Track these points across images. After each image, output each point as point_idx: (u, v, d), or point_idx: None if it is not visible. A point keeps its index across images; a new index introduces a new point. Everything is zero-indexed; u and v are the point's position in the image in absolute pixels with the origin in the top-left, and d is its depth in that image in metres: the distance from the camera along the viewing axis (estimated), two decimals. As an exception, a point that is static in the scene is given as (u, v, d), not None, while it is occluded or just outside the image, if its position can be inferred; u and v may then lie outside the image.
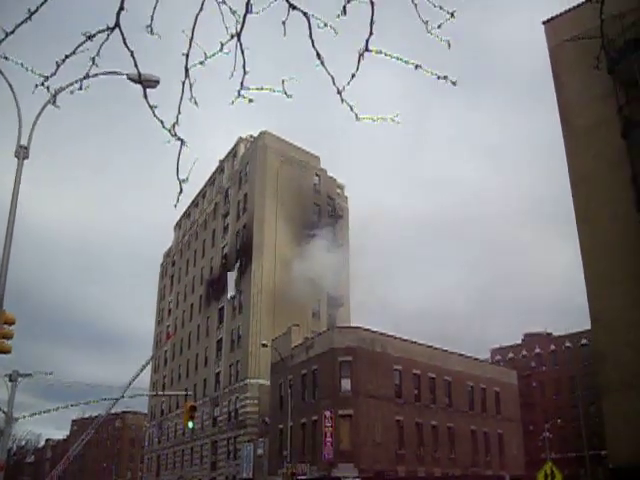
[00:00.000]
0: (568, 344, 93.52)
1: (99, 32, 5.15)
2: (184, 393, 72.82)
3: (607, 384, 25.71)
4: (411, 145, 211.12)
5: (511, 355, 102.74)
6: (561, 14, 31.07)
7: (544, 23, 32.10)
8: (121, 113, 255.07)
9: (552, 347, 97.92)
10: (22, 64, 6.22)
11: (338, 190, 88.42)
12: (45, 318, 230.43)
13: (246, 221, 78.95)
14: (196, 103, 5.45)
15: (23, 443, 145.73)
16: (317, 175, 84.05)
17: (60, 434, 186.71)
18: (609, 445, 26.03)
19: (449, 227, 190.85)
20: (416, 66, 4.95)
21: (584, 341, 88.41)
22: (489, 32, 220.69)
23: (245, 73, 5.17)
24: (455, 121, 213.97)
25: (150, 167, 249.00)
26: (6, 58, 6.13)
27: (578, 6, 29.43)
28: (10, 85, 14.91)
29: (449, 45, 4.89)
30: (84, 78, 5.95)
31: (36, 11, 5.19)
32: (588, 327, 28.67)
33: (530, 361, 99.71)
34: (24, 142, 16.02)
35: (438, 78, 4.96)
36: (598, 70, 14.65)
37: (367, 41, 4.85)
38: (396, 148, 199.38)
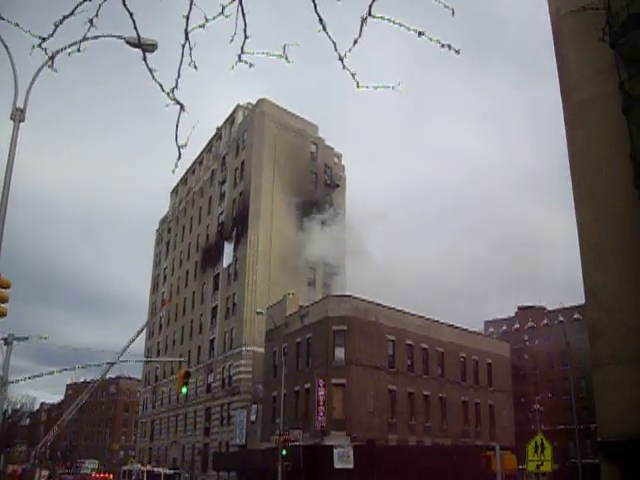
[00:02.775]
0: (561, 318, 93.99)
1: (98, -8, 5.08)
2: (178, 359, 73.38)
3: (598, 358, 25.86)
4: (411, 117, 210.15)
5: (504, 328, 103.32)
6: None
7: (547, -6, 31.71)
8: (119, 77, 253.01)
9: (545, 321, 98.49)
10: (18, 24, 6.14)
11: (335, 159, 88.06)
12: (41, 281, 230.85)
13: (243, 189, 78.73)
14: (195, 67, 5.40)
15: (18, 406, 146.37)
16: (314, 144, 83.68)
17: (55, 398, 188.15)
18: (598, 419, 26.25)
19: (446, 198, 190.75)
20: (419, 33, 4.88)
21: (577, 315, 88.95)
22: (492, 1, 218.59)
23: (246, 37, 5.11)
24: (456, 92, 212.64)
25: (147, 132, 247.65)
26: (2, 18, 6.06)
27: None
28: (6, 46, 14.74)
29: (453, 12, 4.83)
30: (82, 40, 5.88)
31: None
32: (581, 302, 28.77)
33: (523, 334, 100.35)
34: (20, 105, 15.88)
35: (442, 46, 4.90)
36: (603, 42, 14.49)
37: (370, 6, 4.79)
38: (395, 119, 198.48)
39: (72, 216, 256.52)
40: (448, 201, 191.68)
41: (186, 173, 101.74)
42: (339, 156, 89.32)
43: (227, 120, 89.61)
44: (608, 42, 25.04)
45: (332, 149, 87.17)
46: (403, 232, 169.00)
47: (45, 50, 5.89)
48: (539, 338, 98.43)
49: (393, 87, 5.22)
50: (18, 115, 15.83)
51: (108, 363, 56.66)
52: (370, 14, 4.80)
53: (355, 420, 51.50)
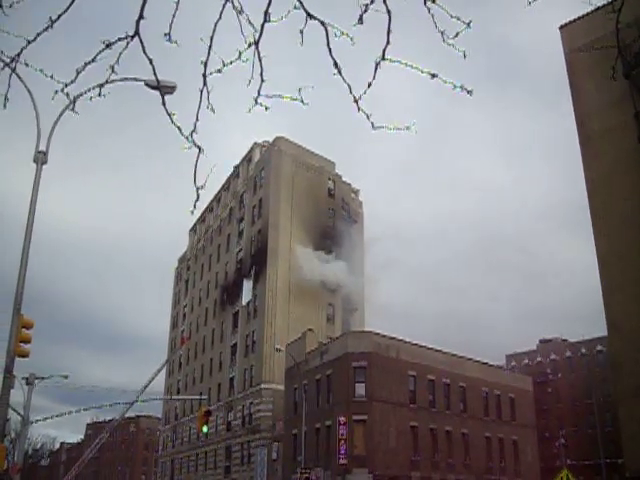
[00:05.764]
0: (584, 350, 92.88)
1: (119, 40, 5.23)
2: (199, 397, 73.18)
3: (623, 391, 25.53)
4: (428, 148, 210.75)
5: (526, 361, 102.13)
6: (577, 19, 30.94)
7: (560, 28, 31.98)
8: (138, 116, 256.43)
9: (568, 353, 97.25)
10: (42, 71, 6.31)
11: (353, 195, 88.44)
12: (60, 320, 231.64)
13: (261, 226, 79.08)
14: (213, 110, 5.51)
15: (38, 446, 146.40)
16: (332, 180, 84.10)
17: (75, 437, 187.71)
18: (625, 453, 25.82)
19: (465, 231, 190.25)
20: (432, 75, 4.97)
21: (600, 347, 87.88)
22: (508, 33, 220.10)
23: (262, 81, 5.22)
24: (473, 122, 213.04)
25: (166, 171, 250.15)
26: (27, 65, 6.21)
27: (595, 10, 29.28)
28: (29, 91, 15.06)
29: (465, 55, 4.92)
30: (103, 84, 6.02)
31: (57, 19, 5.27)
32: (604, 334, 28.48)
33: (545, 367, 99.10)
34: (42, 148, 16.15)
35: (454, 87, 4.98)
36: (614, 80, 14.66)
37: (384, 50, 4.89)
38: (413, 150, 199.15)
39: (91, 254, 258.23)
40: (468, 233, 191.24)
41: (204, 211, 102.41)
42: (357, 192, 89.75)
43: (244, 158, 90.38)
44: (619, 74, 25.13)
45: (349, 185, 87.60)
46: (423, 265, 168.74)
47: (67, 94, 6.03)
48: (562, 371, 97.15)
49: (408, 128, 5.29)
50: (41, 158, 16.09)
51: (128, 402, 56.60)
52: (384, 58, 4.90)
53: (377, 457, 50.90)
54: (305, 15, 4.92)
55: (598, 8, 28.72)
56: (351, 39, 4.91)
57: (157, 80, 5.51)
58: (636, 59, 26.23)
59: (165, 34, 5.15)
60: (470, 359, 63.80)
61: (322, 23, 4.93)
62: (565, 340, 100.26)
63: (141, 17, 5.09)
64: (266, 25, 5.06)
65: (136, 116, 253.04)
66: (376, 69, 4.97)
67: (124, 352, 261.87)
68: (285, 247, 74.92)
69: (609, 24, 7.93)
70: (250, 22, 5.05)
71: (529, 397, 70.31)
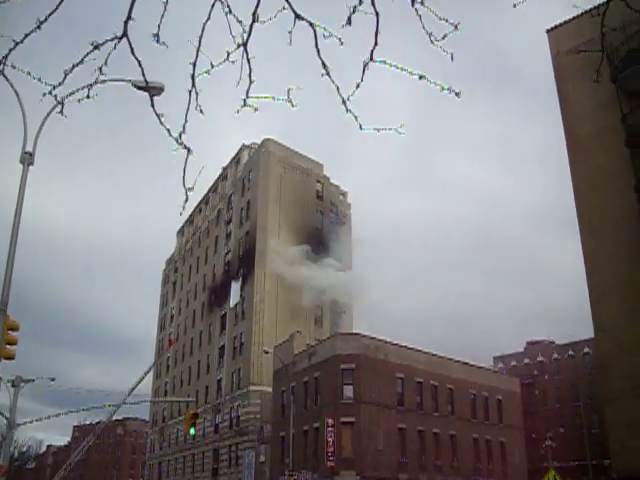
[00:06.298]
0: (571, 352, 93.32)
1: (107, 41, 5.21)
2: (186, 400, 72.87)
3: (610, 393, 25.65)
4: (415, 149, 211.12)
5: (514, 363, 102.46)
6: (565, 22, 31.11)
7: (548, 31, 32.14)
8: (126, 117, 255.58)
9: (555, 355, 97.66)
10: (29, 73, 6.27)
11: (341, 197, 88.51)
12: (47, 322, 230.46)
13: (249, 228, 78.98)
14: (202, 112, 5.50)
15: (25, 449, 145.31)
16: (320, 182, 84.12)
17: (62, 440, 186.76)
18: (612, 454, 25.94)
19: (451, 233, 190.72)
20: (420, 76, 4.98)
21: (587, 349, 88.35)
22: (500, 36, 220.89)
23: (251, 82, 5.21)
24: (462, 124, 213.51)
25: (154, 173, 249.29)
26: (14, 67, 6.17)
27: (582, 14, 29.45)
28: (16, 93, 14.98)
29: (452, 58, 4.93)
30: (91, 86, 5.99)
31: (45, 21, 5.24)
32: (591, 336, 28.62)
33: (533, 369, 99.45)
34: (29, 148, 16.06)
35: (442, 89, 4.99)
36: (599, 82, 14.77)
37: (372, 51, 4.89)
38: (401, 152, 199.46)
39: (78, 254, 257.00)
40: (456, 234, 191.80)
41: (192, 213, 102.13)
42: (345, 194, 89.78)
43: (233, 160, 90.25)
44: (606, 78, 25.30)
45: (338, 187, 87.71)
46: (411, 266, 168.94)
47: (55, 97, 5.99)
48: (549, 373, 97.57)
49: (396, 129, 5.30)
50: (27, 159, 16.00)
51: (115, 405, 56.24)
52: (372, 59, 4.91)
53: (365, 459, 50.91)
54: (293, 16, 4.92)
55: (585, 12, 28.90)
56: (339, 40, 4.91)
57: (145, 81, 5.49)
58: (623, 63, 26.41)
59: (153, 35, 5.14)
60: (457, 361, 63.97)
61: (310, 24, 4.93)
62: (552, 342, 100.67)
63: (129, 18, 5.07)
64: (255, 26, 5.06)
65: (126, 117, 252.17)
66: (364, 70, 4.98)
67: (112, 354, 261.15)
68: (273, 249, 74.80)
69: (596, 28, 7.98)
70: (239, 22, 5.05)
71: (516, 399, 70.53)
